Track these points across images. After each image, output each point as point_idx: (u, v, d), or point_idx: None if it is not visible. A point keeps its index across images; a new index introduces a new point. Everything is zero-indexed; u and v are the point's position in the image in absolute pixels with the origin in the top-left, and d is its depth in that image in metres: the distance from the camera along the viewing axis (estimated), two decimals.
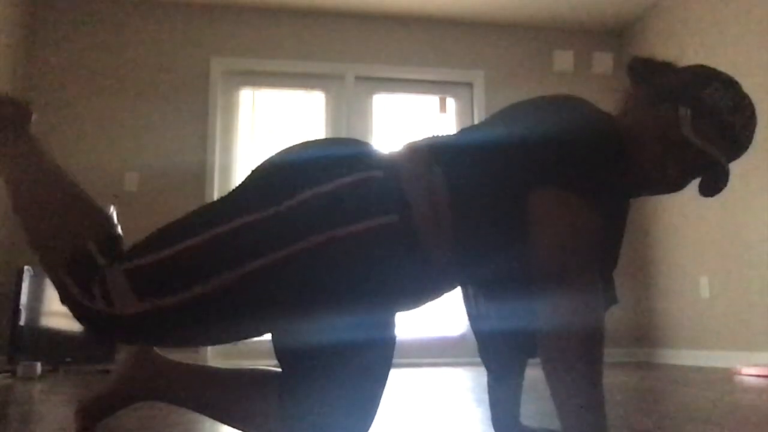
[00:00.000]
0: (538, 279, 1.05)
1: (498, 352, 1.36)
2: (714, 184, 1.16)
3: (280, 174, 1.11)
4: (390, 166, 1.13)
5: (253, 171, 1.15)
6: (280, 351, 1.15)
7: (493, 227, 1.10)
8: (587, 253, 1.06)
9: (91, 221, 1.14)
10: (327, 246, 1.03)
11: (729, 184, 4.23)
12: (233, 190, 1.13)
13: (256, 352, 4.43)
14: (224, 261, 1.02)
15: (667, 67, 1.22)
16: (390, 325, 1.19)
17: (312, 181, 1.07)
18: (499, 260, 1.14)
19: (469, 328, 1.38)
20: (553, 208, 1.06)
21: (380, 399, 1.14)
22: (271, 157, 1.16)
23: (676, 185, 1.17)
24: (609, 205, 1.09)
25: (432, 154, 1.15)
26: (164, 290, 1.03)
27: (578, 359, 1.03)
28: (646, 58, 1.23)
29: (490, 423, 1.67)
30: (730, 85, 1.15)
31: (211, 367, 1.23)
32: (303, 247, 1.03)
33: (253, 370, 1.19)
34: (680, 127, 1.11)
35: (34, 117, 1.22)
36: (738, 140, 1.14)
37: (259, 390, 1.13)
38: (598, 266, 1.08)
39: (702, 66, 1.19)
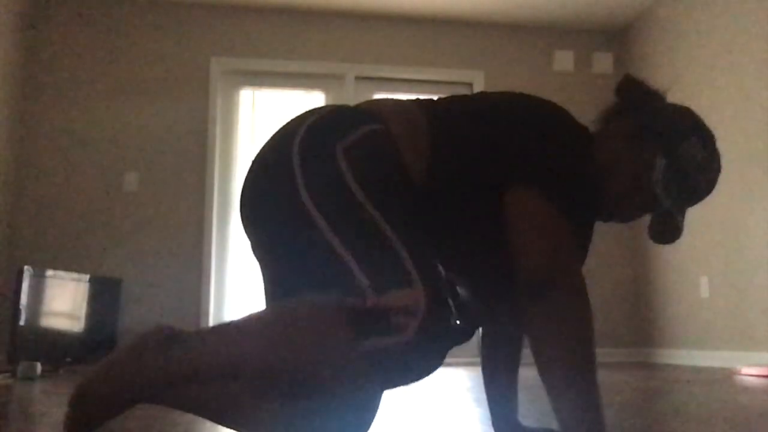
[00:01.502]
0: (527, 284, 1.07)
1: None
2: (664, 234, 1.21)
3: (276, 153, 1.14)
4: (362, 105, 1.22)
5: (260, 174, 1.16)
6: None
7: (465, 177, 1.13)
8: (573, 255, 1.10)
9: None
10: (350, 155, 1.06)
11: (729, 176, 4.23)
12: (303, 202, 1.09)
13: None
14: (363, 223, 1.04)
15: (655, 99, 1.24)
16: None
17: (293, 133, 1.12)
18: (470, 221, 1.16)
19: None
20: (533, 212, 1.09)
21: (379, 398, 1.14)
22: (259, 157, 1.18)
23: (626, 219, 1.24)
24: (579, 221, 1.13)
25: (414, 101, 1.23)
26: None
27: (576, 362, 1.05)
28: (638, 81, 1.24)
29: (490, 423, 1.67)
30: (707, 141, 1.20)
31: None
32: (347, 168, 1.06)
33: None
34: (652, 174, 1.16)
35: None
36: (696, 196, 1.20)
37: (260, 390, 1.12)
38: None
39: (686, 113, 1.23)
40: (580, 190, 1.12)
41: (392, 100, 1.24)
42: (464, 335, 1.19)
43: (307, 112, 1.19)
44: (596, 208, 1.20)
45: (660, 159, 1.16)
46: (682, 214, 1.20)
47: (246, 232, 1.19)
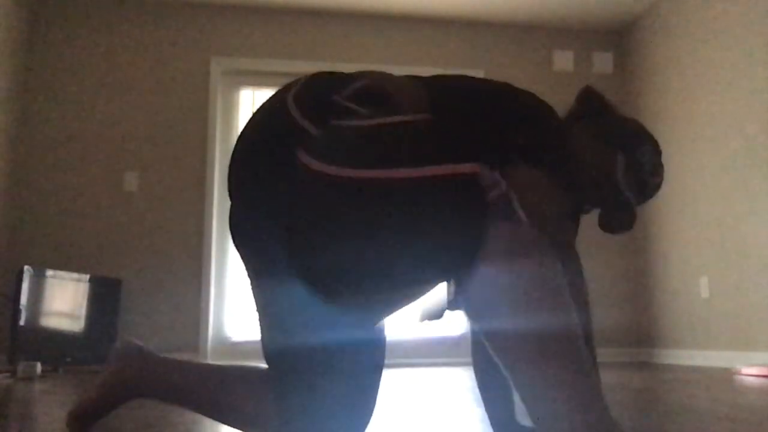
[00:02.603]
0: None
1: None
2: (621, 222, 1.35)
3: (267, 110, 1.14)
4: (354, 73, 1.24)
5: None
6: (270, 353, 1.14)
7: (459, 146, 1.14)
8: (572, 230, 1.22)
9: None
10: (349, 98, 1.08)
11: (729, 176, 4.23)
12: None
13: (256, 352, 4.43)
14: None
15: (612, 110, 1.39)
16: (379, 326, 1.19)
17: (285, 92, 1.13)
18: None
19: (469, 327, 1.39)
20: (537, 186, 1.13)
21: (374, 400, 1.14)
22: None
23: (584, 210, 1.35)
24: (573, 202, 1.25)
25: (409, 76, 1.24)
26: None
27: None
28: (597, 92, 1.39)
29: (489, 423, 1.67)
30: (656, 150, 1.36)
31: (202, 364, 1.21)
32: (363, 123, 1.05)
33: (245, 368, 1.18)
34: (615, 171, 1.30)
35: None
36: (646, 196, 1.35)
37: (256, 390, 1.12)
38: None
39: (639, 125, 1.37)
40: (575, 175, 1.23)
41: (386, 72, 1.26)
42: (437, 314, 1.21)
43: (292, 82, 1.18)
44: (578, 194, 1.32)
45: (622, 160, 1.30)
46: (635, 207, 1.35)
47: (233, 195, 1.13)
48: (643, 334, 5.10)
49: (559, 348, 0.91)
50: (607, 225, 1.36)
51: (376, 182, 0.96)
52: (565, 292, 0.95)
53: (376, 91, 1.11)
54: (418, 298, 1.16)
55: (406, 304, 1.17)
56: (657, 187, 1.36)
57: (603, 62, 5.45)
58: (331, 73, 1.17)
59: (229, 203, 5.30)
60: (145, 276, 4.62)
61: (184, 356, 4.40)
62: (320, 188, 0.98)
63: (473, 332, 1.44)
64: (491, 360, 1.40)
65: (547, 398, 0.89)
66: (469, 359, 4.66)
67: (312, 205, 0.98)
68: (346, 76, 1.16)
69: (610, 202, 1.34)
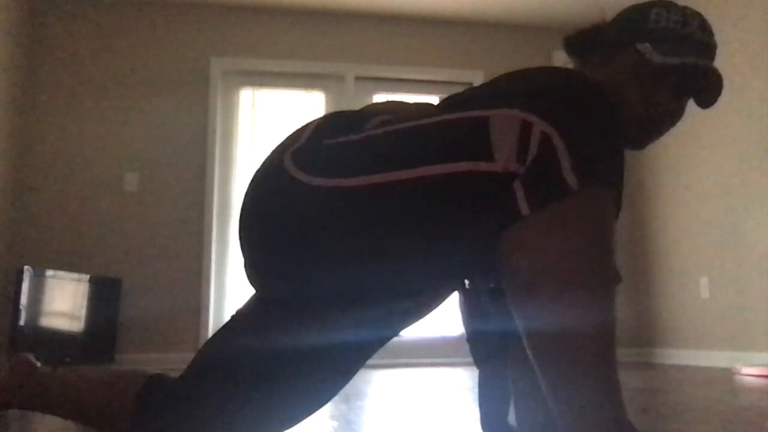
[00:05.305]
0: None
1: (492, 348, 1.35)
2: (711, 90, 1.15)
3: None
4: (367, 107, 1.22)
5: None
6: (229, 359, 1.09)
7: None
8: None
9: None
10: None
11: (729, 176, 4.23)
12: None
13: None
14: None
15: (599, 27, 1.22)
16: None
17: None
18: None
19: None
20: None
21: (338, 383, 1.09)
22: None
23: (675, 112, 1.15)
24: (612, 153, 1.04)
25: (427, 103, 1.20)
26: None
27: None
28: (576, 31, 1.24)
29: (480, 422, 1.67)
30: (667, 5, 1.16)
31: (85, 368, 1.18)
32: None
33: (122, 371, 1.13)
34: (649, 60, 1.10)
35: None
36: (705, 44, 1.15)
37: (122, 389, 1.07)
38: None
39: (632, 5, 1.18)
40: (601, 122, 0.98)
41: (401, 101, 1.22)
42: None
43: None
44: (624, 133, 1.13)
45: (643, 46, 1.11)
46: (708, 70, 1.13)
47: (245, 226, 1.11)
48: (643, 333, 5.10)
49: (599, 338, 0.89)
50: (700, 103, 1.18)
51: (373, 188, 0.95)
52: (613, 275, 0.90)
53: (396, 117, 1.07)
54: (434, 307, 1.14)
55: (424, 313, 1.14)
56: (703, 29, 1.16)
57: None
58: (335, 119, 1.11)
59: (228, 202, 5.30)
60: (145, 276, 4.62)
61: (184, 356, 4.40)
62: (312, 201, 0.98)
63: (472, 332, 1.41)
64: (499, 356, 1.38)
65: (579, 388, 0.89)
66: (470, 359, 4.65)
67: (306, 218, 0.99)
68: (358, 116, 1.10)
69: (679, 86, 1.13)
